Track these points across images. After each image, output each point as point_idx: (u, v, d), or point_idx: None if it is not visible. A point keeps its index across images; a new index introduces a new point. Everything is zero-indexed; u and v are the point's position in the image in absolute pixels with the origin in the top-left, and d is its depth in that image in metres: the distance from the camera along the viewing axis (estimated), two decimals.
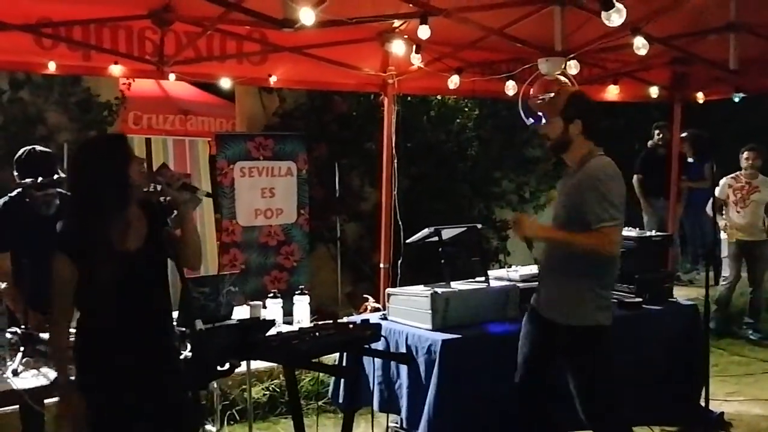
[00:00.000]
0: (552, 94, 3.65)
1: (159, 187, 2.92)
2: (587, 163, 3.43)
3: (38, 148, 4.10)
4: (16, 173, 4.00)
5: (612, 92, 6.71)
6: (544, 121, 3.54)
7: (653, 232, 5.41)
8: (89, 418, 2.91)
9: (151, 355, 2.89)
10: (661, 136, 8.61)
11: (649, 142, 8.90)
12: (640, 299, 4.69)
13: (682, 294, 5.80)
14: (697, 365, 4.75)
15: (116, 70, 4.91)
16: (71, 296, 2.82)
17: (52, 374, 3.24)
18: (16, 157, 4.04)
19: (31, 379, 3.20)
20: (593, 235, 3.27)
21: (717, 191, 7.08)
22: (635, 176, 8.84)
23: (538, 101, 3.70)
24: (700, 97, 6.69)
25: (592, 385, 3.45)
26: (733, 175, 7.30)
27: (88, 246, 2.79)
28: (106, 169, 2.83)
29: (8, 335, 3.42)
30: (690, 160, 8.56)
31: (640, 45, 4.22)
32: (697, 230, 9.30)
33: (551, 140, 3.52)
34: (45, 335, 3.49)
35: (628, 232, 5.08)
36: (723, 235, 7.31)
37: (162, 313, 2.92)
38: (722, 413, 4.98)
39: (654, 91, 6.46)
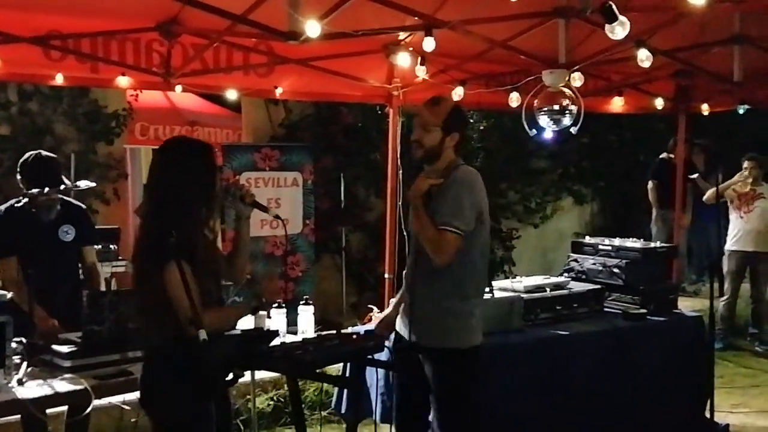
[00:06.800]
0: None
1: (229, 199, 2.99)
2: (456, 170, 3.33)
3: (44, 153, 4.10)
4: (20, 178, 3.98)
5: (617, 104, 6.72)
6: None
7: (658, 243, 5.40)
8: None
9: None
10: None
11: (664, 153, 8.71)
12: (645, 310, 4.70)
13: (687, 305, 5.80)
14: (702, 376, 4.75)
15: (123, 81, 4.95)
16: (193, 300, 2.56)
17: (56, 383, 3.28)
18: (21, 162, 4.02)
19: (35, 388, 3.22)
20: (437, 234, 3.19)
21: (723, 185, 7.12)
22: (650, 182, 8.77)
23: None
24: (705, 108, 6.68)
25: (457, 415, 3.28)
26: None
27: (192, 251, 2.70)
28: (203, 176, 2.81)
29: (14, 345, 3.43)
30: (699, 170, 8.54)
31: (644, 57, 4.23)
32: (703, 242, 9.28)
33: (424, 149, 3.35)
34: (58, 348, 3.51)
35: (633, 243, 5.08)
36: (727, 247, 7.31)
37: None
38: (728, 425, 4.97)
39: (659, 103, 6.46)
